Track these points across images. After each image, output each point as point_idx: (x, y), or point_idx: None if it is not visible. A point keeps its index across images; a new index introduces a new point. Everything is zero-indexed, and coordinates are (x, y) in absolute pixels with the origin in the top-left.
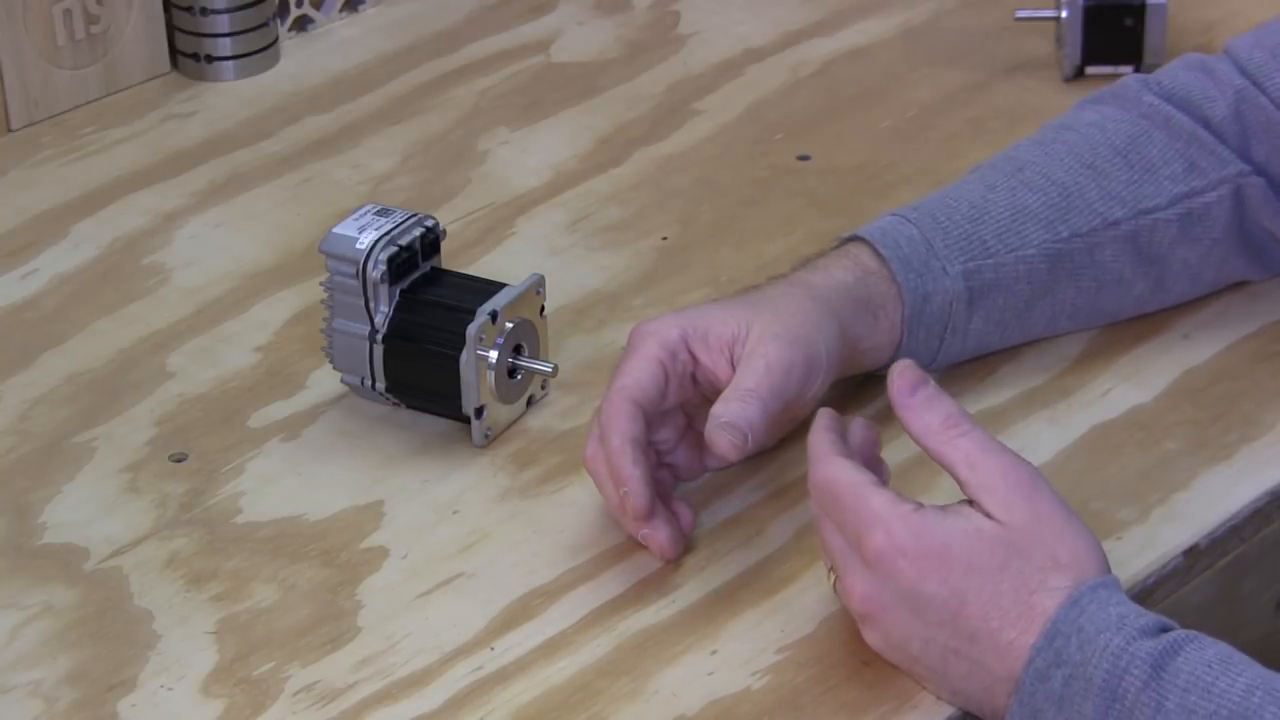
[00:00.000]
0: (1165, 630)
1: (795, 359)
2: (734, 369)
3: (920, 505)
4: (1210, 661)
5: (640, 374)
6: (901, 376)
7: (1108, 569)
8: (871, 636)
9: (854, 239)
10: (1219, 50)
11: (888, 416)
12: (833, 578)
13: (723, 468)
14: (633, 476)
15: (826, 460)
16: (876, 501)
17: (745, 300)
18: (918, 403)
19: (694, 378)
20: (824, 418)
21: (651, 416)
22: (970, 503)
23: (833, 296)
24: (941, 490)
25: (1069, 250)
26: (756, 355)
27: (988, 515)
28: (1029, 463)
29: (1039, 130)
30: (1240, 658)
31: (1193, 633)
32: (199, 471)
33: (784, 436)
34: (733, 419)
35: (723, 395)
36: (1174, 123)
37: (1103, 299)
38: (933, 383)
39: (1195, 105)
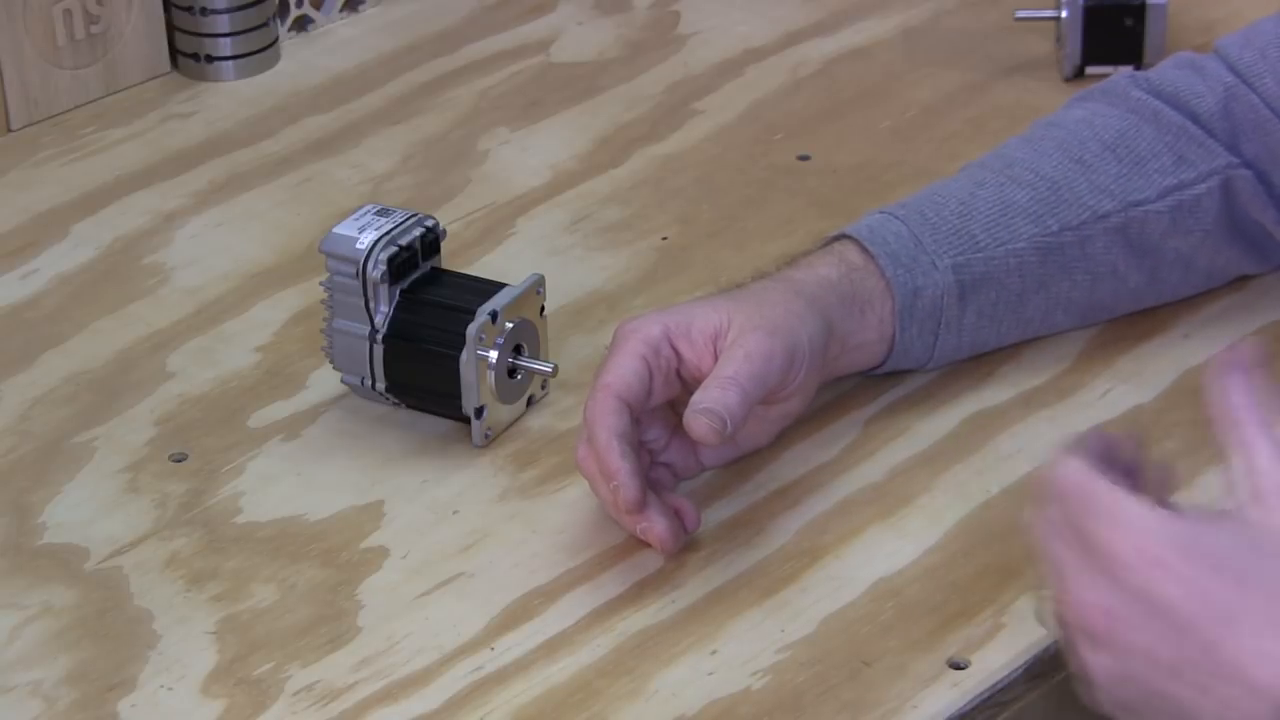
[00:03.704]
0: None
1: (775, 348)
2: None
3: (1179, 510)
4: None
5: (623, 370)
6: (1240, 351)
7: None
8: (1100, 661)
9: (841, 237)
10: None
11: (888, 416)
12: (1045, 602)
13: (720, 465)
14: (621, 469)
15: (1067, 459)
16: (1127, 503)
17: (728, 295)
18: (1242, 381)
19: (679, 374)
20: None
21: (638, 413)
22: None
23: (817, 291)
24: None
25: (1060, 243)
26: (737, 345)
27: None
28: None
29: (1029, 128)
30: None
31: None
32: (199, 471)
33: (780, 435)
34: (711, 404)
35: (703, 384)
36: (1162, 117)
37: (1098, 292)
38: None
39: (1184, 101)
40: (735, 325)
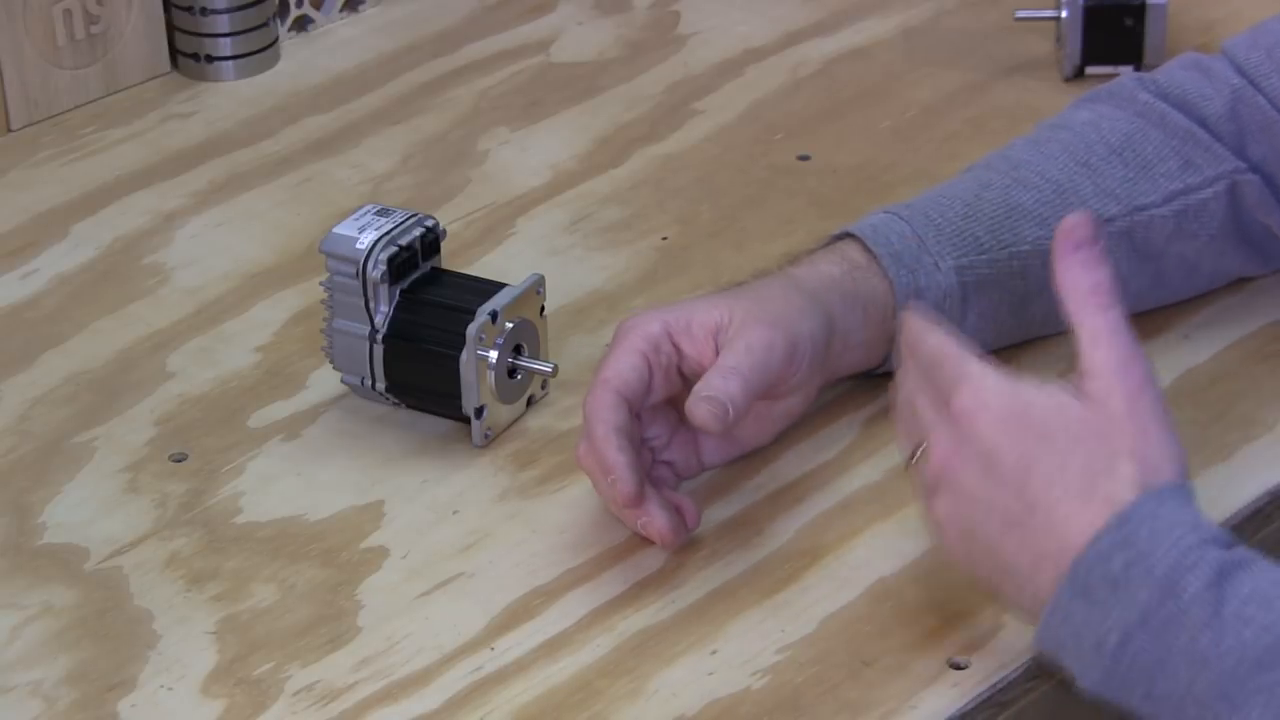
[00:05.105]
0: (1235, 547)
1: (776, 340)
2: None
3: (1017, 374)
4: (1277, 580)
5: (622, 366)
6: (1073, 229)
7: (1187, 478)
8: (940, 505)
9: (844, 236)
10: (1218, 50)
11: (888, 416)
12: (913, 461)
13: (721, 464)
14: (618, 463)
15: (930, 331)
16: (974, 364)
17: (728, 292)
18: (1076, 261)
19: (680, 370)
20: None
21: (637, 408)
22: (1072, 381)
23: (819, 288)
24: None
25: None
26: (738, 338)
27: (1085, 395)
28: (1148, 362)
29: (1034, 129)
30: None
31: (1261, 555)
32: (199, 471)
33: (780, 434)
34: (713, 392)
35: (705, 375)
36: (1169, 121)
37: None
38: (1099, 245)
39: (1191, 104)
40: (736, 320)
